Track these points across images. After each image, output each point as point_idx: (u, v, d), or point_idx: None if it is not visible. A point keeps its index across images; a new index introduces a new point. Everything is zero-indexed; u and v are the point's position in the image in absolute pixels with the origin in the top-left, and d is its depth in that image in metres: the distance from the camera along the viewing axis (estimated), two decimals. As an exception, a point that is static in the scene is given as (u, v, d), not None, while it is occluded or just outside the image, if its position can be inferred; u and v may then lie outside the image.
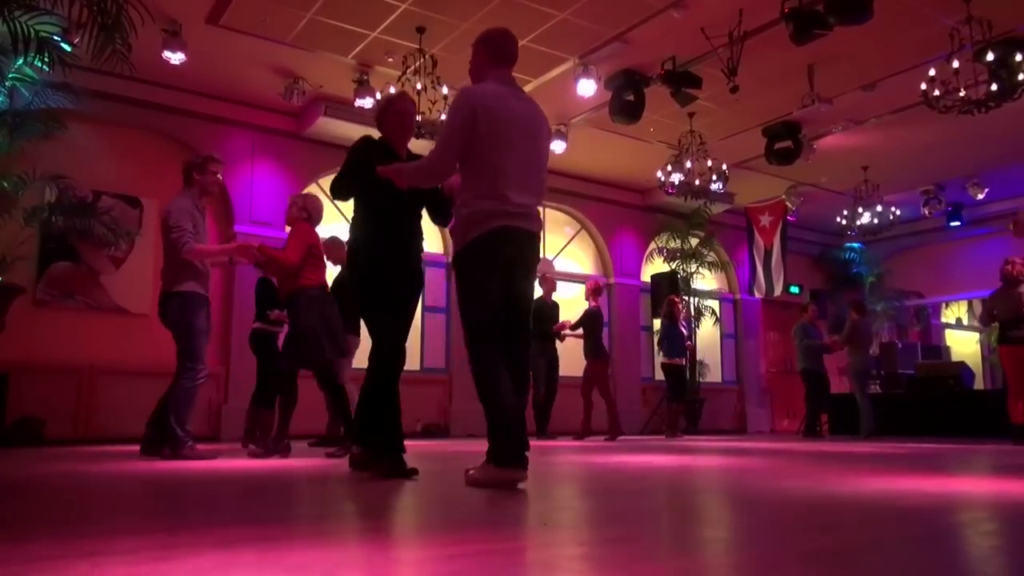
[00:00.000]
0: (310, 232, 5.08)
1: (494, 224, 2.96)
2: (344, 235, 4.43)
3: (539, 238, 3.18)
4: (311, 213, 5.14)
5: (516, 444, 2.85)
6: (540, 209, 3.20)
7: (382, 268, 3.45)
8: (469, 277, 3.03)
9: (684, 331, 9.75)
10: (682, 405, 9.75)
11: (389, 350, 3.45)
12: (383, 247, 3.48)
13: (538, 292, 9.10)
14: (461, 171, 3.10)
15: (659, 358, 9.78)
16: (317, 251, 5.06)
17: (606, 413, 8.71)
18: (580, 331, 8.73)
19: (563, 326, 8.62)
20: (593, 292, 8.80)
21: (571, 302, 10.10)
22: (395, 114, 3.75)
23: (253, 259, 5.10)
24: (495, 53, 3.22)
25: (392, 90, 7.35)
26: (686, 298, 11.70)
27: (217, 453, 4.87)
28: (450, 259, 3.31)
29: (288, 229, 5.22)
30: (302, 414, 7.03)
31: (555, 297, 9.03)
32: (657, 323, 10.39)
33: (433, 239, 10.07)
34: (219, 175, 5.11)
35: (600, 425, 9.00)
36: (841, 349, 9.64)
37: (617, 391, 11.24)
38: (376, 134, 3.80)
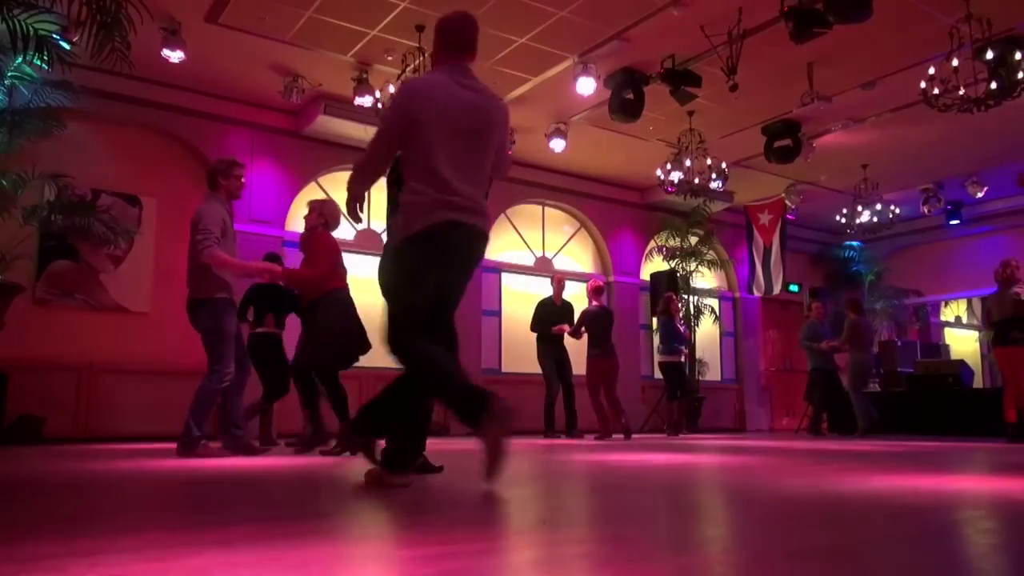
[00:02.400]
0: (331, 242, 5.17)
1: (440, 217, 2.77)
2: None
3: (487, 238, 2.94)
4: (328, 219, 5.24)
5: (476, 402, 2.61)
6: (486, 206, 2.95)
7: None
8: (405, 267, 2.85)
9: (682, 328, 9.74)
10: (684, 402, 9.75)
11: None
12: None
13: (548, 292, 9.06)
14: (407, 164, 2.90)
15: (657, 356, 9.77)
16: (340, 259, 5.18)
17: (602, 411, 8.65)
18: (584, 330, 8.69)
19: (561, 330, 8.56)
20: (594, 292, 8.75)
21: (574, 300, 10.08)
22: None
23: (277, 281, 5.20)
24: (445, 41, 3.04)
25: (392, 89, 7.35)
26: (685, 296, 11.71)
27: (227, 452, 4.91)
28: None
29: (303, 233, 5.31)
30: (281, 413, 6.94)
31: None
32: (656, 322, 10.37)
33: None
34: (242, 178, 5.13)
35: (590, 423, 8.95)
36: (844, 351, 9.67)
37: (616, 389, 11.24)
38: None
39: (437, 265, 2.83)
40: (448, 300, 2.96)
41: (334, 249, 5.12)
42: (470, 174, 2.87)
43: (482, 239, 2.93)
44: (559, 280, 8.96)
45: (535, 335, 8.68)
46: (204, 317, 4.74)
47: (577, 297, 9.74)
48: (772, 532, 1.92)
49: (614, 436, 8.45)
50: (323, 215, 5.22)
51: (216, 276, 4.75)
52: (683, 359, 9.63)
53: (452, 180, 2.80)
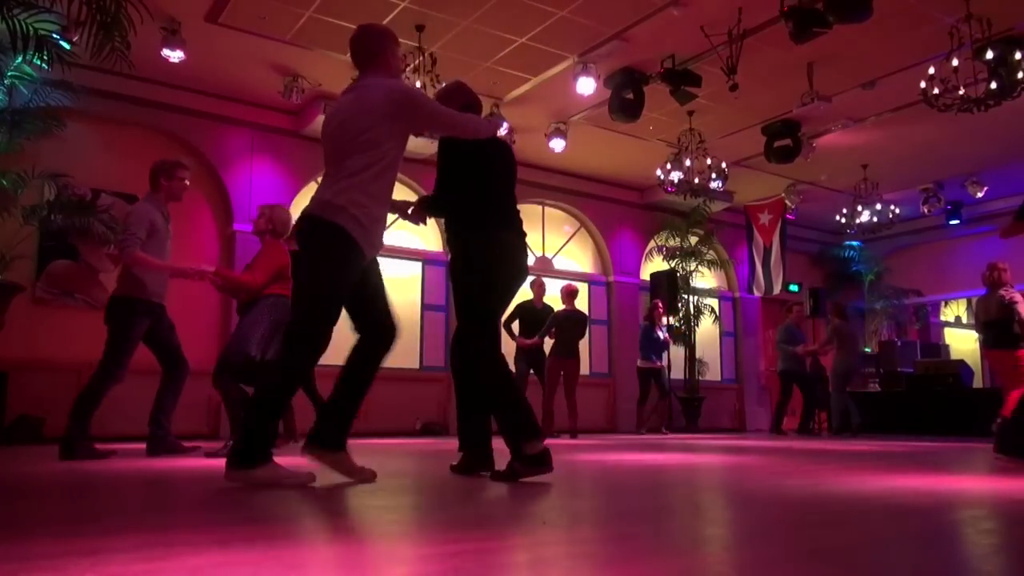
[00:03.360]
0: (281, 252, 5.04)
1: None
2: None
3: (311, 219, 2.96)
4: (276, 226, 5.12)
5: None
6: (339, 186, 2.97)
7: None
8: None
9: (662, 335, 9.76)
10: (651, 405, 9.81)
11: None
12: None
13: (529, 296, 8.98)
14: None
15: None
16: (287, 272, 4.97)
17: (551, 413, 8.58)
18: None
19: (524, 343, 8.45)
20: (568, 296, 8.81)
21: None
22: None
23: (211, 283, 5.09)
24: (351, 56, 3.23)
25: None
26: (685, 296, 11.71)
27: (113, 452, 4.79)
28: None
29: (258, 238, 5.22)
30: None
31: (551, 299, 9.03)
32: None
33: (433, 237, 10.07)
34: (186, 181, 5.05)
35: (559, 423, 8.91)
36: (823, 355, 9.75)
37: (616, 389, 11.26)
38: None
39: None
40: None
41: (280, 260, 4.99)
42: (330, 169, 3.05)
43: (303, 221, 3.00)
44: (539, 284, 8.89)
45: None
46: (114, 315, 4.72)
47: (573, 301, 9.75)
48: (773, 532, 1.92)
49: (560, 436, 8.44)
50: (271, 221, 5.09)
51: (135, 278, 4.71)
52: (659, 365, 9.67)
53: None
